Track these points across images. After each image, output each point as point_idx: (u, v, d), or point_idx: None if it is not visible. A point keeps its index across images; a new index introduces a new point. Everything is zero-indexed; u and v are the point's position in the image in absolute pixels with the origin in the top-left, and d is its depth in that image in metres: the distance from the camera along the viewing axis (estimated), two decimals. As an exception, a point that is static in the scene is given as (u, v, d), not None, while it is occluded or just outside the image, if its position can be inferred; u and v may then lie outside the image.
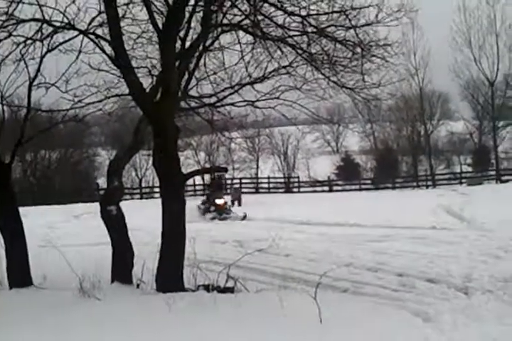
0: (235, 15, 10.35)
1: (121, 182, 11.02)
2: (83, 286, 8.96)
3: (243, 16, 10.06)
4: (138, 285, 9.74)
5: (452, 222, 19.54)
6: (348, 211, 23.06)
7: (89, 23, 9.76)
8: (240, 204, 31.41)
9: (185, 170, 10.23)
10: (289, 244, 15.31)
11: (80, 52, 10.03)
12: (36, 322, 7.50)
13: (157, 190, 37.52)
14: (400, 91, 36.45)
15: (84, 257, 12.02)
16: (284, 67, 11.50)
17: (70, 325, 7.31)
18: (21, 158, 39.01)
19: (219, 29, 10.89)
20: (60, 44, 10.03)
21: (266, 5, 9.70)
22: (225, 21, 10.51)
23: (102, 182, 37.79)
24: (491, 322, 7.66)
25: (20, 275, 10.05)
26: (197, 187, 42.83)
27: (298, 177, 47.25)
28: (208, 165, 45.05)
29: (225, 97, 12.32)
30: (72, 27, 9.60)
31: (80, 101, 10.91)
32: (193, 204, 24.45)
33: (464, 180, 42.48)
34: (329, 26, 10.03)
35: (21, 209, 10.64)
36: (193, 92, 12.26)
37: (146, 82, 10.70)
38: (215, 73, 12.15)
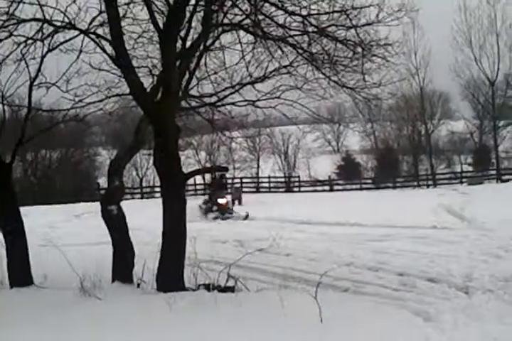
0: (236, 14, 10.35)
1: (122, 182, 11.02)
2: (84, 286, 8.96)
3: (244, 16, 10.06)
4: (138, 285, 9.75)
5: (453, 221, 19.51)
6: (349, 210, 23.04)
7: (90, 23, 9.76)
8: (240, 204, 31.43)
9: (185, 170, 10.23)
10: (290, 243, 15.31)
11: (80, 51, 10.04)
12: (37, 322, 7.51)
13: (158, 189, 37.56)
14: (400, 91, 36.48)
15: (85, 256, 12.04)
16: (285, 66, 11.50)
17: (71, 324, 7.32)
18: (22, 158, 39.04)
19: (220, 29, 10.89)
20: (61, 44, 10.04)
21: (267, 4, 9.70)
22: (225, 21, 10.51)
23: (103, 181, 37.80)
24: (491, 322, 7.67)
25: (21, 275, 10.06)
26: (197, 187, 42.85)
27: (298, 176, 47.21)
28: (208, 165, 45.04)
29: (225, 97, 12.33)
30: (73, 27, 9.60)
31: (80, 100, 10.92)
32: (193, 204, 24.40)
33: (464, 180, 42.42)
34: (330, 26, 10.03)
35: (22, 209, 10.65)
36: (193, 92, 12.27)
37: (147, 82, 10.71)
38: (215, 73, 12.15)
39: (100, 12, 9.71)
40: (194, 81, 11.86)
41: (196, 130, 21.72)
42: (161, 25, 9.28)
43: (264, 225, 20.41)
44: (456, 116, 53.98)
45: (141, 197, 42.34)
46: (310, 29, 10.07)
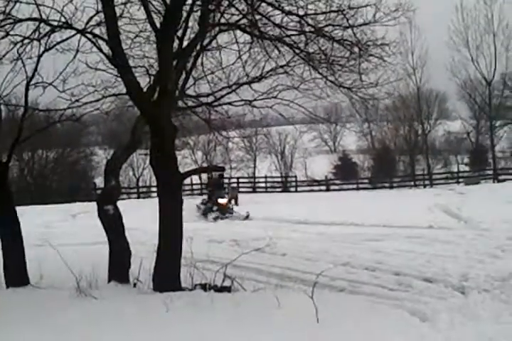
0: (233, 14, 10.36)
1: (119, 182, 11.03)
2: (80, 285, 8.95)
3: (241, 16, 10.08)
4: (135, 285, 9.75)
5: (449, 221, 19.53)
6: (346, 210, 23.04)
7: (87, 23, 9.77)
8: (236, 204, 31.39)
9: (182, 170, 10.24)
10: (286, 243, 15.33)
11: (77, 51, 10.05)
12: (35, 322, 7.50)
13: (154, 189, 37.53)
14: (397, 91, 36.30)
15: (81, 256, 12.02)
16: (282, 66, 11.50)
17: (69, 324, 7.30)
18: (18, 158, 38.96)
19: (216, 28, 10.89)
20: (58, 43, 10.04)
21: (263, 4, 9.73)
22: (222, 21, 10.52)
23: (99, 181, 37.76)
24: (487, 321, 7.70)
25: (17, 275, 10.05)
26: (194, 187, 42.82)
27: (295, 176, 47.17)
28: (205, 165, 44.98)
29: (222, 96, 12.32)
30: (70, 26, 9.60)
31: (77, 100, 10.93)
32: (190, 204, 24.38)
33: (461, 180, 42.43)
34: (327, 26, 10.06)
35: (18, 209, 10.63)
36: (190, 91, 12.27)
37: (144, 82, 10.72)
38: (212, 72, 12.15)
39: (97, 12, 9.71)
40: (191, 81, 11.87)
41: (193, 130, 21.66)
42: (157, 25, 9.29)
43: (261, 225, 20.40)
44: (452, 116, 54.07)
45: (138, 197, 42.23)
46: (307, 29, 10.09)
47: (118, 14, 9.55)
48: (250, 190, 44.20)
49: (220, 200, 26.18)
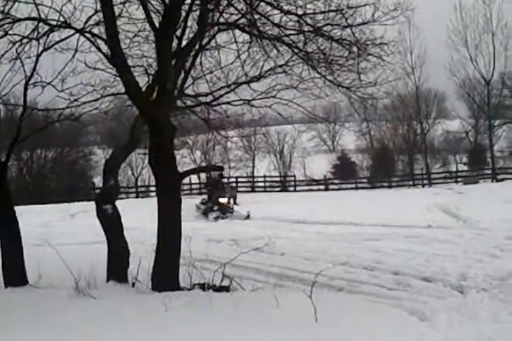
0: (232, 14, 10.36)
1: (117, 181, 11.02)
2: (79, 285, 8.94)
3: (239, 15, 10.08)
4: (133, 284, 9.74)
5: (448, 220, 19.53)
6: (344, 210, 23.04)
7: (86, 22, 9.76)
8: (235, 203, 31.37)
9: (181, 169, 10.24)
10: (285, 242, 15.33)
11: (76, 51, 10.04)
12: (35, 322, 7.48)
13: (153, 188, 37.47)
14: (396, 90, 36.51)
15: (80, 256, 12.01)
16: (281, 66, 11.51)
17: (69, 324, 7.29)
18: (17, 157, 38.96)
19: (215, 28, 10.90)
20: (56, 43, 10.02)
21: (262, 4, 9.73)
22: (221, 20, 10.53)
23: (98, 181, 37.74)
24: (485, 321, 7.70)
25: (15, 274, 10.03)
26: (193, 186, 42.82)
27: (294, 176, 47.15)
28: (204, 164, 44.99)
29: (221, 96, 12.33)
30: (69, 26, 9.59)
31: (75, 100, 10.92)
32: (189, 204, 24.36)
33: (459, 179, 42.44)
34: (325, 25, 10.06)
35: (17, 209, 10.62)
36: (189, 91, 12.27)
37: (143, 81, 10.71)
38: (211, 72, 12.16)
39: (96, 11, 9.70)
40: (190, 80, 11.88)
41: (192, 129, 21.67)
42: (156, 25, 9.28)
43: (260, 224, 20.41)
44: (451, 115, 54.11)
45: (136, 197, 42.26)
46: (306, 28, 10.10)
47: (117, 14, 9.53)
48: (249, 189, 44.21)
49: (221, 200, 26.14)
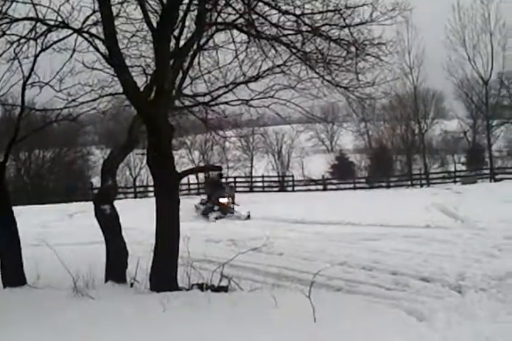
0: (230, 14, 10.36)
1: (115, 181, 11.00)
2: (77, 285, 8.94)
3: (237, 15, 10.06)
4: (132, 285, 9.73)
5: (446, 220, 19.54)
6: (343, 210, 23.05)
7: (84, 22, 9.74)
8: (234, 203, 31.34)
9: (179, 169, 10.22)
10: (283, 242, 15.32)
11: (73, 51, 10.03)
12: (34, 322, 7.47)
13: (151, 188, 37.41)
14: (394, 90, 36.18)
15: (78, 256, 12.00)
16: (279, 66, 11.50)
17: (68, 324, 7.28)
18: (15, 157, 38.91)
19: (213, 28, 10.90)
20: (54, 43, 10.02)
21: (260, 4, 9.71)
22: (219, 20, 10.53)
23: (96, 181, 37.73)
24: (484, 321, 7.71)
25: (14, 275, 10.02)
26: (191, 186, 42.82)
27: (292, 176, 47.16)
28: (202, 164, 44.97)
29: (219, 96, 12.32)
30: (66, 26, 9.58)
31: (73, 100, 10.91)
32: (187, 204, 24.33)
33: (458, 179, 42.48)
34: (323, 25, 10.05)
35: (15, 209, 10.59)
36: (187, 91, 12.26)
37: (140, 81, 10.71)
38: (209, 72, 12.16)
39: (94, 11, 9.69)
40: (188, 80, 11.86)
41: (190, 129, 21.69)
42: (154, 25, 9.27)
43: (258, 224, 20.42)
44: (449, 115, 54.16)
45: (135, 197, 42.24)
46: (304, 28, 10.09)
47: (115, 14, 9.51)
48: (247, 189, 44.23)
49: (222, 200, 26.07)
